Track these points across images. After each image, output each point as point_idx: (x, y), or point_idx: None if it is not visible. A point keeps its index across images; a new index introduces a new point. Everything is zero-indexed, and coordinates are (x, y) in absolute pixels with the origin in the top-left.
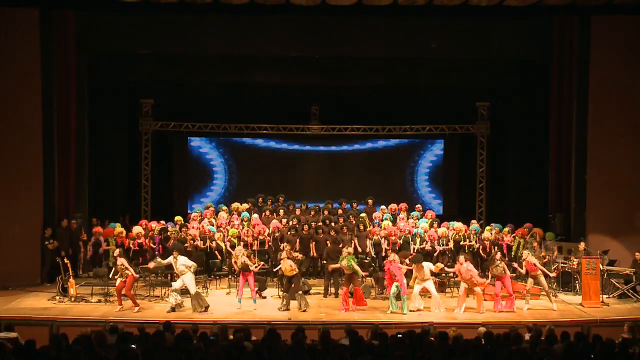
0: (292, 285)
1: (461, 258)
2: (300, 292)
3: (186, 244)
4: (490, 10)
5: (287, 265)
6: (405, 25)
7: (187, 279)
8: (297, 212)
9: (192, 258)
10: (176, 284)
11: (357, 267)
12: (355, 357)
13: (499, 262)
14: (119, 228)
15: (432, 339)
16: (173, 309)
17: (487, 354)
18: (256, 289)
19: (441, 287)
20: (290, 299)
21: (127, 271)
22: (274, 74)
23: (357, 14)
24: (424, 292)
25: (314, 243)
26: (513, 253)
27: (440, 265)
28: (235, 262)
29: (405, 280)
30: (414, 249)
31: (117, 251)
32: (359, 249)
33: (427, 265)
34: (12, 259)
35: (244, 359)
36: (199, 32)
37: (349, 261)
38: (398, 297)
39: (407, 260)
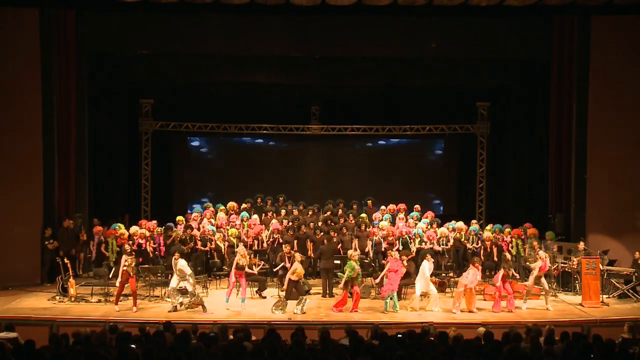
0: (295, 289)
1: (476, 260)
2: (302, 296)
3: (189, 245)
4: (490, 10)
5: (299, 269)
6: (405, 25)
7: (187, 283)
8: (295, 212)
9: (192, 258)
10: (172, 283)
11: (346, 276)
12: (355, 357)
13: (510, 263)
14: (121, 229)
15: (432, 339)
16: (175, 308)
17: (487, 354)
18: (256, 289)
19: (441, 287)
20: (288, 299)
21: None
22: (274, 74)
23: (357, 14)
24: (425, 292)
25: (311, 243)
26: (514, 253)
27: None
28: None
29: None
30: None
31: (126, 246)
32: (359, 250)
33: (425, 264)
34: (12, 259)
35: (244, 359)
36: (199, 32)
37: (348, 266)
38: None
39: (405, 263)
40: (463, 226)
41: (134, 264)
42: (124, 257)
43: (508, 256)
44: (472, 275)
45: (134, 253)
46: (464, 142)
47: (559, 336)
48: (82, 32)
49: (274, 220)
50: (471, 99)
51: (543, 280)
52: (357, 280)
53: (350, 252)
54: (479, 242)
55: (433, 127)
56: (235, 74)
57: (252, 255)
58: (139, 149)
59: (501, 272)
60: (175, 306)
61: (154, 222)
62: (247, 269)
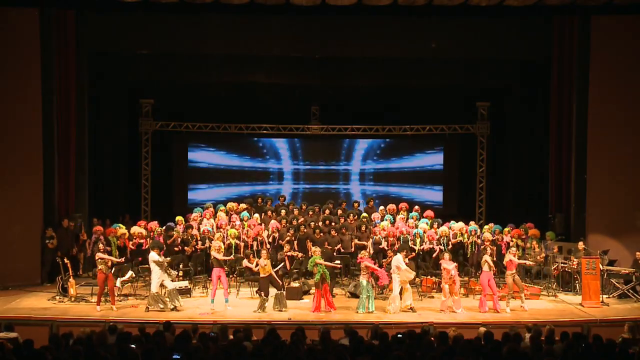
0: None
1: (446, 255)
2: (281, 292)
3: (192, 243)
4: (490, 10)
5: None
6: (405, 25)
7: (155, 276)
8: (296, 212)
9: (192, 258)
10: (169, 285)
11: (317, 274)
12: (355, 357)
13: (487, 257)
14: (122, 229)
15: (432, 339)
16: (175, 308)
17: (487, 354)
18: (256, 289)
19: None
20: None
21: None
22: (274, 74)
23: (357, 14)
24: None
25: (311, 243)
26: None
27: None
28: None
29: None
30: (413, 249)
31: (100, 246)
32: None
33: (396, 259)
34: (12, 259)
35: (244, 359)
36: (199, 32)
37: (311, 262)
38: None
39: (407, 260)
40: (463, 226)
41: (109, 263)
42: (97, 255)
43: (488, 251)
44: (445, 270)
45: (107, 253)
46: (464, 142)
47: (559, 336)
48: (82, 32)
49: (272, 221)
50: (471, 99)
51: (517, 278)
52: (326, 278)
53: (313, 248)
54: (480, 241)
55: (433, 127)
56: (235, 74)
57: (251, 255)
58: (139, 149)
59: (483, 264)
60: (175, 307)
61: (155, 222)
62: (247, 264)
